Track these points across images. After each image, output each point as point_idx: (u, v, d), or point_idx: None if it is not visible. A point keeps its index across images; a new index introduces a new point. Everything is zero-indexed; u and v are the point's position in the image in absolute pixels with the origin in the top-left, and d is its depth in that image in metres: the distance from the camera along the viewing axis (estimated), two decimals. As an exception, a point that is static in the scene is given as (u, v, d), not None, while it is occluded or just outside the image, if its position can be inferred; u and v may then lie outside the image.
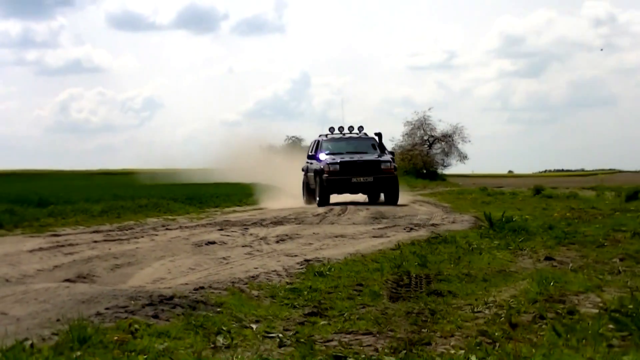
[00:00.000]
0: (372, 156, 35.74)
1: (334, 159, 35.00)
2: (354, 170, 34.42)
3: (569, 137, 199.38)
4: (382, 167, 34.78)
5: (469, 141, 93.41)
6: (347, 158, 35.24)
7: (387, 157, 36.16)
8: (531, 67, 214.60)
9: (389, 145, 52.17)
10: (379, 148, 37.52)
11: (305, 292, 9.29)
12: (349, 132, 38.84)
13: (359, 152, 36.33)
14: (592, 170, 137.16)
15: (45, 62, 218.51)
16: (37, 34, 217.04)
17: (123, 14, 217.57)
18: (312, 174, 36.42)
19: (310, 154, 38.41)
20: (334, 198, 35.40)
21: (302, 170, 38.75)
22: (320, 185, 34.50)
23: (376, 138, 38.88)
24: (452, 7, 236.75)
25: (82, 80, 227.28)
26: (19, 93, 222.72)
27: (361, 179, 34.21)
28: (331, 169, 34.22)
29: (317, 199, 34.66)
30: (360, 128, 39.36)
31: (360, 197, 37.56)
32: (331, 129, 38.69)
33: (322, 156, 35.93)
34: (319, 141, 38.28)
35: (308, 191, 37.80)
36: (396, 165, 37.02)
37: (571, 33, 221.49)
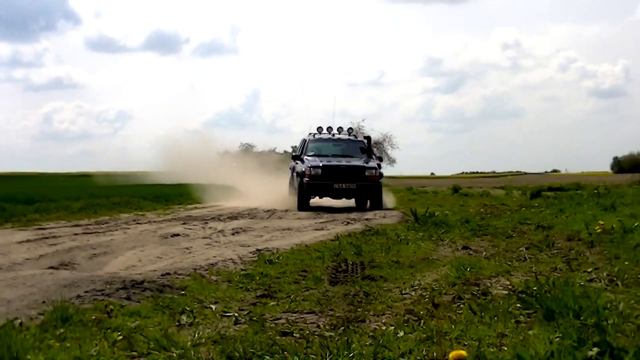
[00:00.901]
0: (357, 162, 29.55)
1: (316, 162, 28.98)
2: (337, 175, 28.43)
3: (482, 144, 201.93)
4: (367, 174, 28.56)
5: (397, 147, 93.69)
6: (331, 162, 29.24)
7: (373, 163, 29.82)
8: (449, 84, 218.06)
9: None
10: (367, 152, 31.18)
11: (257, 277, 9.26)
12: (337, 133, 32.32)
13: (345, 156, 30.37)
14: (502, 172, 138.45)
15: (31, 79, 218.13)
16: (23, 55, 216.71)
17: (99, 37, 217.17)
18: (296, 175, 30.45)
19: (295, 154, 32.27)
20: (318, 202, 30.26)
21: (290, 169, 33.03)
22: (300, 188, 28.65)
23: (365, 141, 32.55)
24: (382, 32, 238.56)
25: (63, 95, 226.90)
26: (8, 106, 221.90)
27: (343, 185, 28.30)
28: (312, 172, 28.34)
29: (297, 202, 28.65)
30: (350, 130, 33.29)
31: (345, 202, 30.76)
32: (319, 129, 32.25)
33: (306, 158, 29.91)
34: (305, 141, 32.13)
35: (291, 192, 31.66)
36: (382, 172, 30.23)
37: (483, 55, 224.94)
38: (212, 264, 10.58)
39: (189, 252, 12.35)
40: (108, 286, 8.08)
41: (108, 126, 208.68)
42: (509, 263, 10.14)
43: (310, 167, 28.42)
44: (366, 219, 20.40)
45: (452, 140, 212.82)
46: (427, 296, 7.62)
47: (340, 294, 8.07)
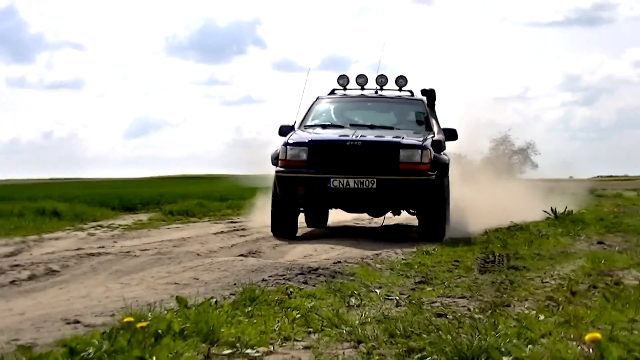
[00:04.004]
0: (392, 135, 13.08)
1: (300, 137, 13.17)
2: (339, 160, 12.48)
3: (616, 150, 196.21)
4: (402, 158, 12.39)
5: (539, 154, 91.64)
6: (334, 135, 13.30)
7: (423, 138, 13.10)
8: (587, 98, 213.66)
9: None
10: (426, 120, 14.22)
11: (416, 266, 9.25)
12: (378, 87, 15.06)
13: (381, 127, 13.82)
14: (635, 176, 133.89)
15: (225, 96, 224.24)
16: (219, 76, 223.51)
17: (281, 59, 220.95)
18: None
19: (285, 125, 14.04)
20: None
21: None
22: (273, 189, 13.13)
23: (424, 101, 14.67)
24: (527, 53, 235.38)
25: (251, 109, 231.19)
26: (206, 118, 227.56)
27: (350, 181, 12.27)
28: (290, 155, 12.73)
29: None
30: (401, 80, 14.94)
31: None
32: (342, 80, 14.93)
33: (298, 131, 13.71)
34: (314, 102, 14.88)
35: None
36: (444, 157, 13.51)
37: (617, 72, 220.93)
38: (376, 254, 10.60)
39: (357, 244, 12.39)
40: (288, 272, 8.19)
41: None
42: (640, 257, 9.88)
43: (288, 146, 12.72)
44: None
45: (589, 148, 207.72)
46: (565, 285, 7.48)
47: (488, 281, 7.99)
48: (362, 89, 14.81)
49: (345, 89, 14.79)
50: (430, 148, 12.44)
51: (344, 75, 14.61)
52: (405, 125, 13.81)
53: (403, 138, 12.56)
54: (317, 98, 14.58)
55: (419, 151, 12.17)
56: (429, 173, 12.11)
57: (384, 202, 12.67)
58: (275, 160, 12.73)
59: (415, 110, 14.39)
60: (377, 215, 14.35)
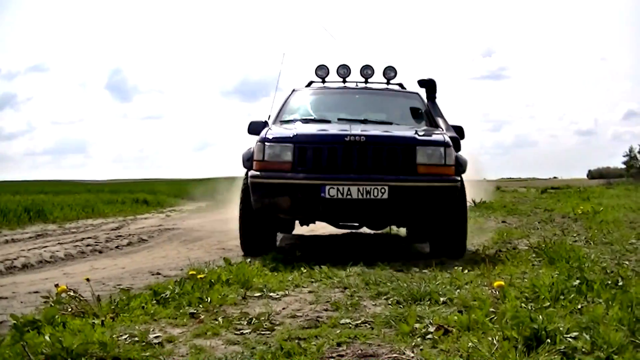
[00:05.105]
0: (398, 129, 6.25)
1: (282, 131, 6.11)
2: (335, 162, 5.57)
3: (513, 161, 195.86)
4: (420, 158, 5.66)
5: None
6: (325, 128, 6.19)
7: (439, 134, 6.18)
8: (495, 127, 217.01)
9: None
10: (427, 116, 7.02)
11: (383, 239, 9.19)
12: (363, 79, 7.73)
13: (375, 122, 6.58)
14: (525, 178, 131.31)
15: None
16: (252, 111, 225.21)
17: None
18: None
19: (255, 121, 6.76)
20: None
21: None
22: (241, 198, 6.22)
23: (421, 95, 7.59)
24: (459, 97, 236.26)
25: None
26: (245, 139, 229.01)
27: (353, 190, 5.47)
28: (268, 154, 5.60)
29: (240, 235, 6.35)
30: (390, 72, 7.67)
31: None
32: (321, 70, 7.79)
33: (273, 127, 6.47)
34: (289, 94, 7.47)
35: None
36: (463, 158, 6.29)
37: (514, 110, 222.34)
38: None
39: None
40: (296, 241, 8.15)
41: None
42: (528, 231, 9.87)
43: (266, 143, 5.84)
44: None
45: (496, 159, 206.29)
46: (481, 249, 7.48)
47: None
48: (344, 81, 8.04)
49: (324, 81, 8.09)
50: (449, 143, 6.19)
51: (323, 65, 7.99)
52: (403, 121, 7.11)
53: (417, 133, 6.30)
54: (293, 90, 7.88)
55: (442, 149, 6.03)
56: (455, 178, 6.19)
57: (394, 215, 6.30)
58: (247, 161, 6.30)
59: (411, 104, 7.55)
60: (379, 229, 8.16)
